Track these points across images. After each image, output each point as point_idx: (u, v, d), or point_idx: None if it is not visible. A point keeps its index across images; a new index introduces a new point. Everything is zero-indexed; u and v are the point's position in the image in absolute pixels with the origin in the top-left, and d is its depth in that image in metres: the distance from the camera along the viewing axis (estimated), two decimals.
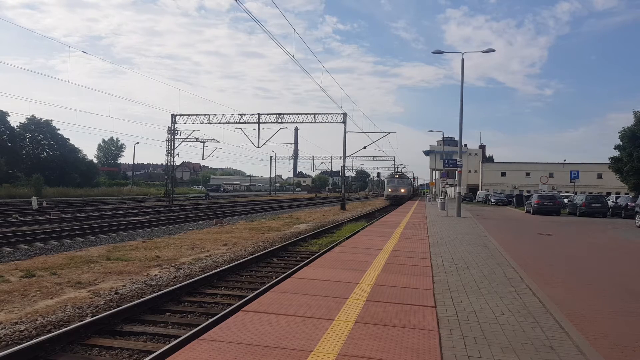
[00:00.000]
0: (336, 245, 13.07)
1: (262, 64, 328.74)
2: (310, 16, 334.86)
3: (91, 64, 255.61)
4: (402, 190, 53.55)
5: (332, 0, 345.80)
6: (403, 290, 6.49)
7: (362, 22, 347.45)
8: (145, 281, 8.83)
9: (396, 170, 68.59)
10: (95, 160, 79.22)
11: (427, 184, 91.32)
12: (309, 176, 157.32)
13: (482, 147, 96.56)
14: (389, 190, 54.63)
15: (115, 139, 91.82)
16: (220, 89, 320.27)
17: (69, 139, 57.65)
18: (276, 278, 9.36)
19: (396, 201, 50.07)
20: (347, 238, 14.47)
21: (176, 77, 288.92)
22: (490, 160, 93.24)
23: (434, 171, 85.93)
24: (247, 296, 7.79)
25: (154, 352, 5.13)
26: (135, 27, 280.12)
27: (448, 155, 39.72)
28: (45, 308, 6.81)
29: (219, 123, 39.83)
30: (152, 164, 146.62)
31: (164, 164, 49.35)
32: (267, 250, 12.87)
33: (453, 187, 51.03)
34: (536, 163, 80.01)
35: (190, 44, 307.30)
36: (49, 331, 5.88)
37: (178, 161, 56.15)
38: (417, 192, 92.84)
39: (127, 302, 7.26)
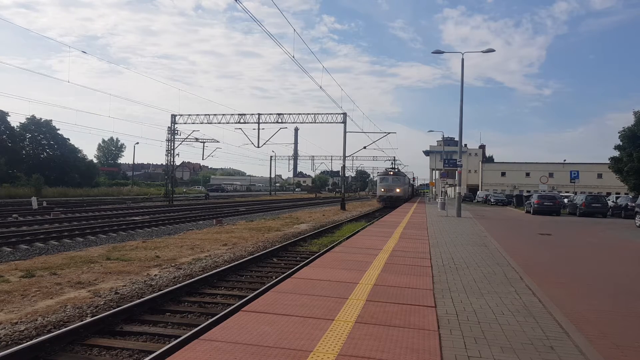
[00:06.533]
0: (336, 245, 13.06)
1: (258, 64, 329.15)
2: (307, 16, 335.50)
3: (88, 64, 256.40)
4: (398, 190, 43.84)
5: (328, 0, 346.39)
6: (403, 290, 6.48)
7: (359, 21, 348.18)
8: (145, 281, 8.84)
9: (391, 167, 57.50)
10: (95, 160, 79.34)
11: (427, 184, 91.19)
12: (309, 176, 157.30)
13: (482, 147, 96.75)
14: (382, 190, 44.54)
15: (115, 139, 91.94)
16: (217, 88, 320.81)
17: (68, 139, 57.84)
18: (276, 278, 9.37)
19: (390, 203, 41.44)
20: (347, 238, 14.46)
21: (173, 77, 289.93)
22: (490, 160, 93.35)
23: (434, 171, 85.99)
24: (247, 296, 7.80)
25: (154, 352, 5.13)
26: (131, 26, 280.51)
27: (448, 155, 39.68)
28: (45, 308, 6.82)
29: (219, 123, 39.91)
30: (152, 164, 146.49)
31: (164, 164, 49.41)
32: (267, 250, 12.88)
33: (453, 187, 50.81)
34: (536, 163, 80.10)
35: (186, 43, 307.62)
36: (49, 331, 5.89)
37: (178, 161, 56.25)
38: (416, 192, 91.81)
39: (127, 302, 7.27)
